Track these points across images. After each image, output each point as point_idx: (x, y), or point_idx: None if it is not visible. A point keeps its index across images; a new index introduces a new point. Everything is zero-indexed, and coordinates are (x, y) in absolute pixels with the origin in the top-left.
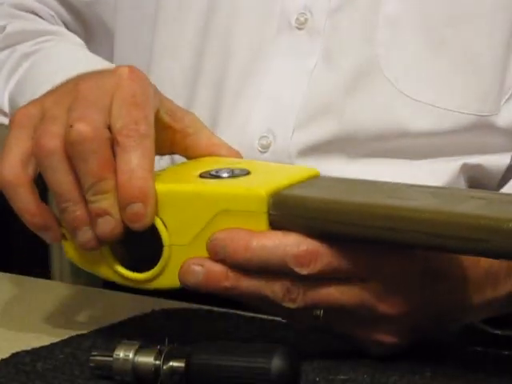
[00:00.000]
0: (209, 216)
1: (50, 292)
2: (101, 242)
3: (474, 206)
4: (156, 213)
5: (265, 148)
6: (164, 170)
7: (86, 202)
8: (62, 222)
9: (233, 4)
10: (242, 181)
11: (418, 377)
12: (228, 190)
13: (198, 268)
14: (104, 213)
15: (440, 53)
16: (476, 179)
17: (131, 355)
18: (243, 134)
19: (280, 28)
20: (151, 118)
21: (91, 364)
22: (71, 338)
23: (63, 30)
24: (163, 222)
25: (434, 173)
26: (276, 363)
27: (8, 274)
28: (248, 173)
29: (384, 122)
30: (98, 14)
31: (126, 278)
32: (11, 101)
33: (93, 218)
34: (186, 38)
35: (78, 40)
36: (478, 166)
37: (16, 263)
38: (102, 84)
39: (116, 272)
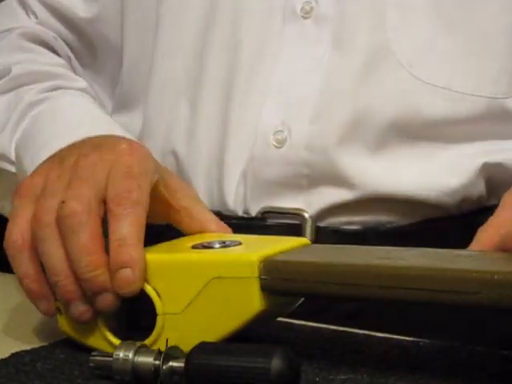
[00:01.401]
0: (201, 284)
1: None
2: (97, 313)
3: (463, 262)
4: (146, 279)
5: (280, 143)
6: (158, 244)
7: (76, 277)
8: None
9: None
10: (233, 250)
11: (418, 377)
12: (219, 257)
13: None
14: (102, 290)
15: (452, 35)
16: (495, 181)
17: (131, 355)
18: (256, 130)
19: (285, 18)
20: (145, 187)
21: (91, 364)
22: (71, 338)
23: (68, 73)
24: (157, 292)
25: (454, 171)
26: (276, 363)
27: (8, 274)
28: (239, 243)
29: (399, 108)
30: (100, 31)
31: None
32: (16, 152)
33: (89, 294)
34: (189, 35)
35: (81, 84)
36: (498, 166)
37: None
38: (101, 161)
39: (110, 343)
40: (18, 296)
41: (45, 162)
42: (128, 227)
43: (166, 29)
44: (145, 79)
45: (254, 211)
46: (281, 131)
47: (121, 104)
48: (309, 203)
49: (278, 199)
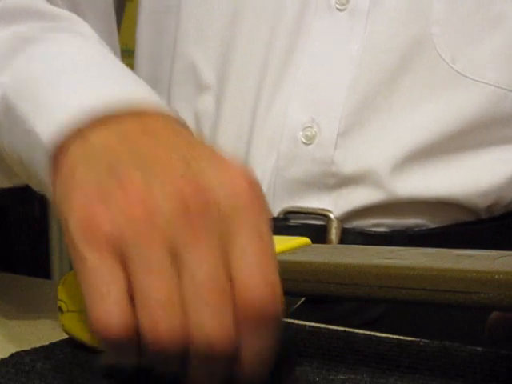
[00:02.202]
0: None
1: (50, 292)
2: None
3: (463, 262)
4: None
5: (309, 140)
6: None
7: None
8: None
9: None
10: None
11: (418, 376)
12: None
13: None
14: None
15: (498, 29)
16: None
17: None
18: (284, 125)
19: (318, 9)
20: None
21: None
22: (71, 338)
23: (74, 16)
24: None
25: (487, 174)
26: None
27: (8, 274)
28: None
29: (441, 106)
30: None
31: None
32: (3, 96)
33: None
34: (214, 26)
35: (90, 31)
36: None
37: (16, 263)
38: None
39: None
40: (18, 296)
41: (89, 169)
42: None
43: (190, 17)
44: (166, 67)
45: (276, 211)
46: (310, 127)
47: None
48: (335, 204)
49: (303, 199)
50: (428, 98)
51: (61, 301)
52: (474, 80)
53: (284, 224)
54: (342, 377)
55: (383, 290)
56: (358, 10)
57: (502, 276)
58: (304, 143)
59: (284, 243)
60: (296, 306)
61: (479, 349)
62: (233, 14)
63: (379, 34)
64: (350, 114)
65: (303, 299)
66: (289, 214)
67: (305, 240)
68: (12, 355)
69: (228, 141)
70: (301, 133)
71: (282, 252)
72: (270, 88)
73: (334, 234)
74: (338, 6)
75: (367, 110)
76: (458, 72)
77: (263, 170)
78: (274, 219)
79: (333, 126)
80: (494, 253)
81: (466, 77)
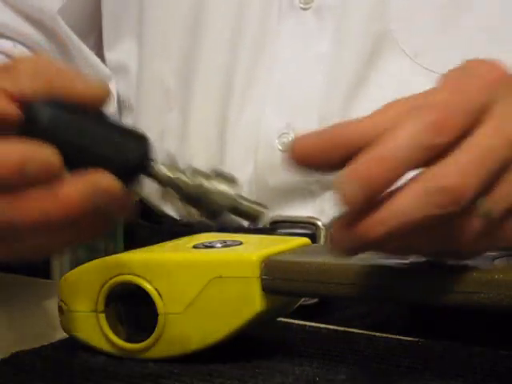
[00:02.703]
0: (202, 283)
1: (50, 292)
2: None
3: (463, 262)
4: (147, 279)
5: (287, 147)
6: (159, 244)
7: None
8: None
9: None
10: (234, 249)
11: (418, 377)
12: (221, 257)
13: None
14: None
15: (462, 20)
16: None
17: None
18: (259, 133)
19: (282, 9)
20: None
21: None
22: (71, 338)
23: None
24: (158, 291)
25: None
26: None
27: (8, 274)
28: (240, 243)
29: None
30: (64, 26)
31: (121, 349)
32: None
33: None
34: (176, 35)
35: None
36: None
37: (16, 263)
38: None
39: (111, 342)
40: (18, 296)
41: None
42: None
43: (151, 29)
44: (133, 83)
45: (262, 221)
46: (286, 133)
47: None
48: (320, 210)
49: (288, 207)
50: (399, 94)
51: (61, 301)
52: (439, 73)
53: (271, 234)
54: (342, 377)
55: (383, 291)
56: (324, 8)
57: (501, 276)
58: (282, 151)
59: (284, 243)
60: (296, 306)
61: (479, 349)
62: (194, 20)
63: (347, 32)
64: (326, 116)
65: (303, 299)
66: (276, 223)
67: (305, 240)
68: (12, 355)
69: (199, 153)
70: (277, 140)
71: (282, 252)
72: (239, 95)
73: (323, 243)
74: (301, 5)
75: (343, 111)
76: (423, 67)
77: (241, 180)
78: (261, 229)
79: (310, 130)
80: (494, 253)
81: (431, 71)
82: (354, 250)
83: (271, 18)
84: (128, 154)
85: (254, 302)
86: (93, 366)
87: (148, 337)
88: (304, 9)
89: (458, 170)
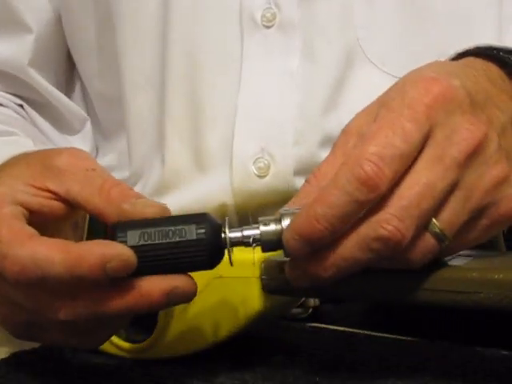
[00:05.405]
0: (203, 283)
1: None
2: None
3: (463, 262)
4: None
5: (263, 172)
6: None
7: None
8: None
9: (192, 6)
10: (234, 250)
11: (418, 377)
12: None
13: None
14: None
15: (426, 25)
16: None
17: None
18: (232, 159)
19: (245, 28)
20: None
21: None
22: None
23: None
24: None
25: None
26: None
27: None
28: None
29: None
30: (37, 76)
31: (121, 349)
32: None
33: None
34: (145, 64)
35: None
36: None
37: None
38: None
39: (112, 342)
40: None
41: None
42: None
43: (123, 52)
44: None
45: None
46: (261, 158)
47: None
48: None
49: None
50: (367, 102)
51: None
52: None
53: None
54: (341, 377)
55: (382, 291)
56: (288, 24)
57: (501, 276)
58: (258, 176)
59: None
60: (296, 305)
61: (479, 349)
62: (161, 49)
63: (315, 46)
64: (302, 134)
65: (303, 299)
66: None
67: None
68: (12, 355)
69: (171, 179)
70: (252, 166)
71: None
72: (209, 120)
73: None
74: (264, 23)
75: (319, 127)
76: (392, 75)
77: (221, 208)
78: None
79: (287, 153)
80: (494, 253)
81: (395, 77)
82: (311, 285)
83: (233, 37)
84: (200, 254)
85: (253, 302)
86: (93, 366)
87: (148, 337)
88: (267, 26)
89: (394, 217)
